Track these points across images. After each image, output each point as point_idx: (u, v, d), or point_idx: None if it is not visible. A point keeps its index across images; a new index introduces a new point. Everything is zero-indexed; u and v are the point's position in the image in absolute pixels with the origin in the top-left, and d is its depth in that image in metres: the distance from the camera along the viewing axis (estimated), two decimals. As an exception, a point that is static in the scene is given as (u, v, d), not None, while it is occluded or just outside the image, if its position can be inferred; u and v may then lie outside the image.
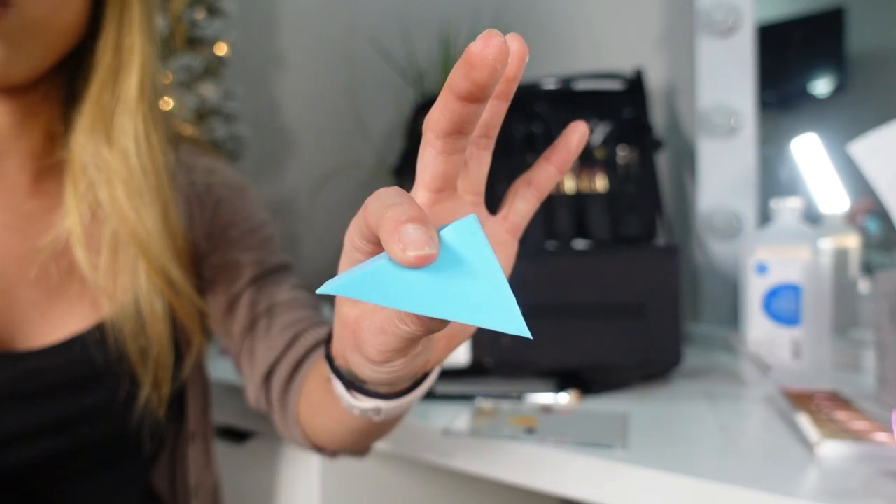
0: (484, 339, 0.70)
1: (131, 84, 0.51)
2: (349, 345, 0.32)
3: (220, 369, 0.82)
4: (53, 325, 0.50)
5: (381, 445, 0.64)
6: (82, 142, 0.50)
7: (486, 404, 0.65)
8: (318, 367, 0.49)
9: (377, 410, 0.38)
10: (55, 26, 0.46)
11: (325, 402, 0.45)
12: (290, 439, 0.54)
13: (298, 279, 0.61)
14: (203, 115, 1.04)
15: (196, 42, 1.03)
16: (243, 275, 0.58)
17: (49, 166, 0.53)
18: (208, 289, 0.59)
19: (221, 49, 1.06)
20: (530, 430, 0.56)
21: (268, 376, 0.55)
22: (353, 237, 0.27)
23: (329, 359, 0.38)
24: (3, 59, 0.44)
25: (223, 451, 0.77)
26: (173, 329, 0.55)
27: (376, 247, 0.27)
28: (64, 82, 0.53)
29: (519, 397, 0.66)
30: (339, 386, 0.38)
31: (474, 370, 0.71)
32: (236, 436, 0.78)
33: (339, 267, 0.31)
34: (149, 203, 0.51)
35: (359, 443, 0.49)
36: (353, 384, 0.37)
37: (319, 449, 0.52)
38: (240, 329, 0.57)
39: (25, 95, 0.50)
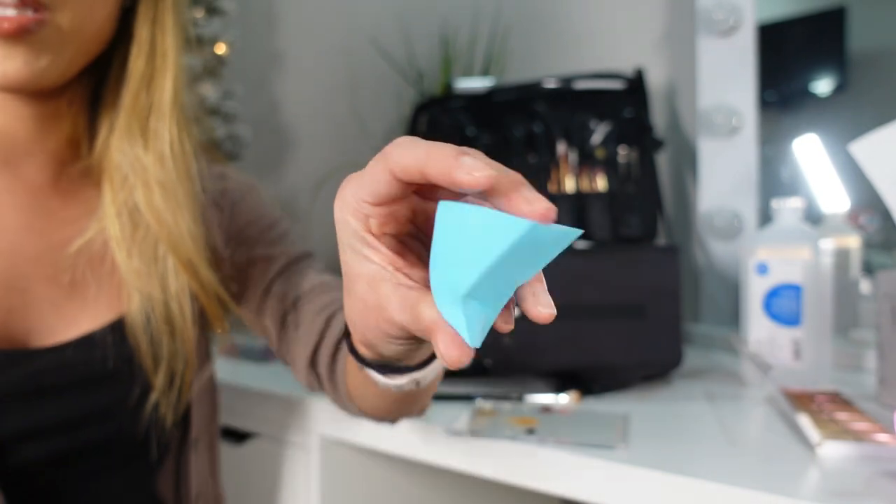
0: (484, 340, 0.70)
1: (165, 90, 0.52)
2: (371, 324, 0.31)
3: (220, 370, 0.82)
4: (68, 323, 0.51)
5: (381, 445, 0.64)
6: (119, 146, 0.51)
7: (486, 404, 0.65)
8: None
9: (415, 382, 0.39)
10: (86, 34, 0.47)
11: (365, 384, 0.45)
12: (349, 413, 0.55)
13: (322, 264, 0.62)
14: (203, 114, 1.04)
15: (196, 42, 1.03)
16: (269, 269, 0.59)
17: (74, 170, 0.54)
18: (234, 288, 0.60)
19: (221, 49, 1.06)
20: (530, 431, 0.56)
21: (312, 362, 0.55)
22: (361, 201, 0.27)
23: (353, 352, 0.39)
24: (35, 67, 0.45)
25: (223, 452, 0.77)
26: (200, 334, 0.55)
27: (388, 208, 0.28)
28: (90, 86, 0.53)
29: (519, 397, 0.66)
30: (372, 373, 0.39)
31: (474, 370, 0.71)
32: (236, 436, 0.78)
33: (343, 260, 0.30)
34: (184, 206, 0.52)
35: (410, 408, 0.49)
36: (385, 366, 0.38)
37: (379, 419, 0.53)
38: (274, 321, 0.58)
39: (52, 99, 0.51)
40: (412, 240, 0.31)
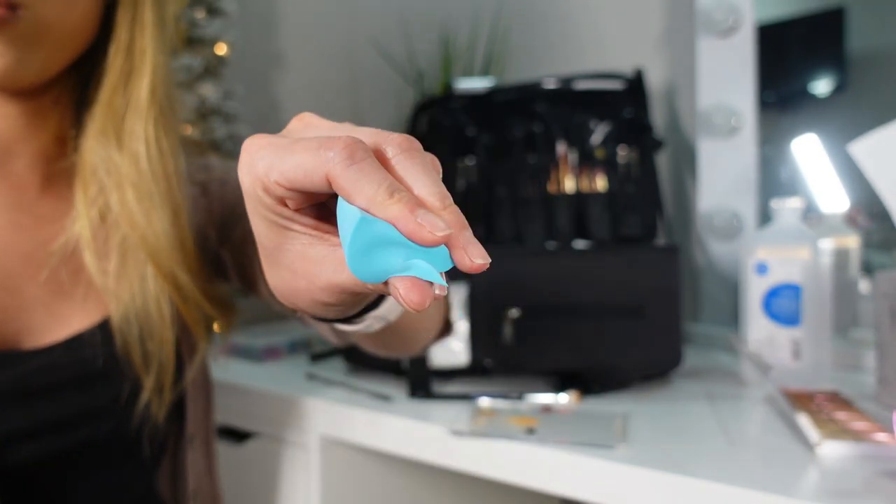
0: (484, 339, 0.70)
1: (142, 88, 0.51)
2: (301, 294, 0.29)
3: (219, 369, 0.82)
4: (59, 323, 0.51)
5: (381, 445, 0.64)
6: (92, 146, 0.51)
7: (486, 404, 0.65)
8: None
9: (380, 319, 0.37)
10: (65, 28, 0.47)
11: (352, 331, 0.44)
12: (382, 354, 0.54)
13: None
14: (203, 115, 1.04)
15: (196, 42, 1.03)
16: None
17: (60, 169, 0.53)
18: (238, 267, 0.59)
19: (221, 49, 1.06)
20: (530, 430, 0.56)
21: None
22: (275, 182, 0.24)
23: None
24: (14, 62, 0.45)
25: (223, 451, 0.77)
26: (178, 334, 0.55)
27: (302, 201, 0.25)
28: (75, 85, 0.53)
29: (519, 397, 0.66)
30: (326, 324, 0.37)
31: (474, 370, 0.71)
32: (236, 436, 0.78)
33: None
34: (159, 208, 0.51)
35: (406, 341, 0.48)
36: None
37: (398, 353, 0.52)
38: None
39: (36, 98, 0.51)
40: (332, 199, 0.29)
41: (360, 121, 1.31)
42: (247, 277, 0.60)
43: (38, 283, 0.51)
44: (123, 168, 0.50)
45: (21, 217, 0.52)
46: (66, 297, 0.52)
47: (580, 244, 0.77)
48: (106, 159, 0.50)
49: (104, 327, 0.51)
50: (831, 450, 0.48)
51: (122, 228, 0.51)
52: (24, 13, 0.43)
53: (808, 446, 0.50)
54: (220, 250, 0.61)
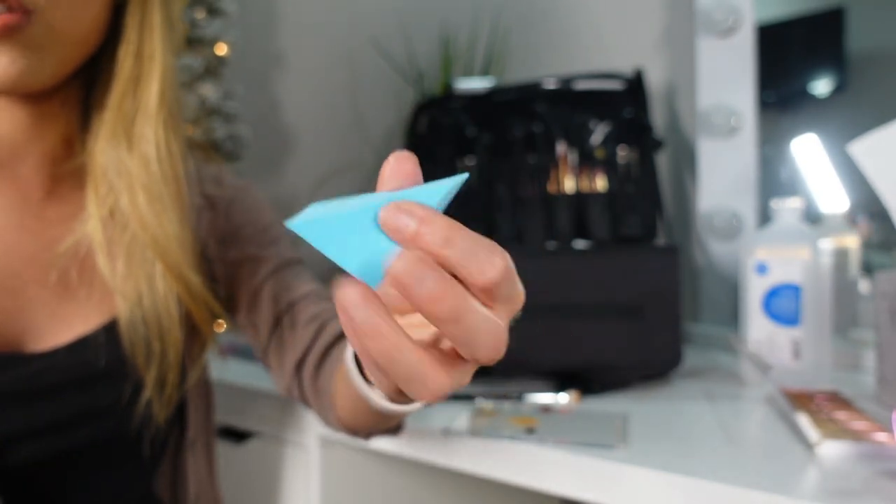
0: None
1: (152, 92, 0.51)
2: None
3: (219, 370, 0.82)
4: (62, 325, 0.51)
5: (381, 445, 0.64)
6: (103, 148, 0.51)
7: (486, 404, 0.65)
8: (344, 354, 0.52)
9: (387, 409, 0.40)
10: (75, 34, 0.47)
11: (354, 397, 0.46)
12: (326, 423, 0.56)
13: (311, 272, 0.63)
14: (203, 115, 1.04)
15: (196, 42, 1.03)
16: (261, 269, 0.59)
17: (66, 171, 0.53)
18: (226, 286, 0.60)
19: (221, 49, 1.06)
20: (530, 430, 0.56)
21: (299, 366, 0.56)
22: None
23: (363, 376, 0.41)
24: (24, 67, 0.45)
25: (223, 451, 0.77)
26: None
27: None
28: (82, 87, 0.53)
29: (519, 397, 0.66)
30: (356, 377, 0.40)
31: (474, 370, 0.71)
32: (236, 436, 0.78)
33: None
34: (168, 209, 0.51)
35: (383, 424, 0.50)
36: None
37: (353, 431, 0.53)
38: (265, 322, 0.58)
39: (44, 101, 0.51)
40: None
41: (360, 121, 1.31)
42: (230, 299, 0.61)
43: (41, 285, 0.51)
44: (134, 170, 0.51)
45: (26, 219, 0.52)
46: (70, 299, 0.52)
47: (580, 244, 0.77)
48: (116, 161, 0.51)
49: (110, 329, 0.51)
50: (831, 449, 0.48)
51: (130, 229, 0.51)
52: (38, 18, 0.43)
53: (808, 446, 0.50)
54: (214, 264, 0.61)
